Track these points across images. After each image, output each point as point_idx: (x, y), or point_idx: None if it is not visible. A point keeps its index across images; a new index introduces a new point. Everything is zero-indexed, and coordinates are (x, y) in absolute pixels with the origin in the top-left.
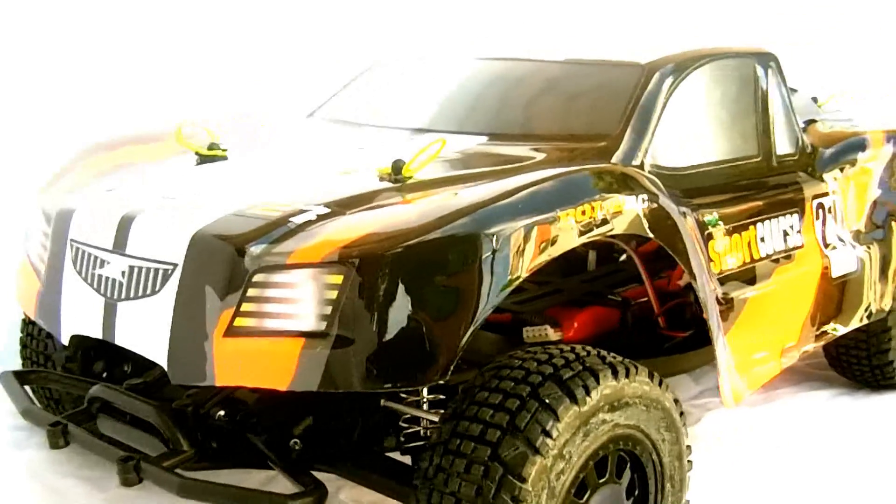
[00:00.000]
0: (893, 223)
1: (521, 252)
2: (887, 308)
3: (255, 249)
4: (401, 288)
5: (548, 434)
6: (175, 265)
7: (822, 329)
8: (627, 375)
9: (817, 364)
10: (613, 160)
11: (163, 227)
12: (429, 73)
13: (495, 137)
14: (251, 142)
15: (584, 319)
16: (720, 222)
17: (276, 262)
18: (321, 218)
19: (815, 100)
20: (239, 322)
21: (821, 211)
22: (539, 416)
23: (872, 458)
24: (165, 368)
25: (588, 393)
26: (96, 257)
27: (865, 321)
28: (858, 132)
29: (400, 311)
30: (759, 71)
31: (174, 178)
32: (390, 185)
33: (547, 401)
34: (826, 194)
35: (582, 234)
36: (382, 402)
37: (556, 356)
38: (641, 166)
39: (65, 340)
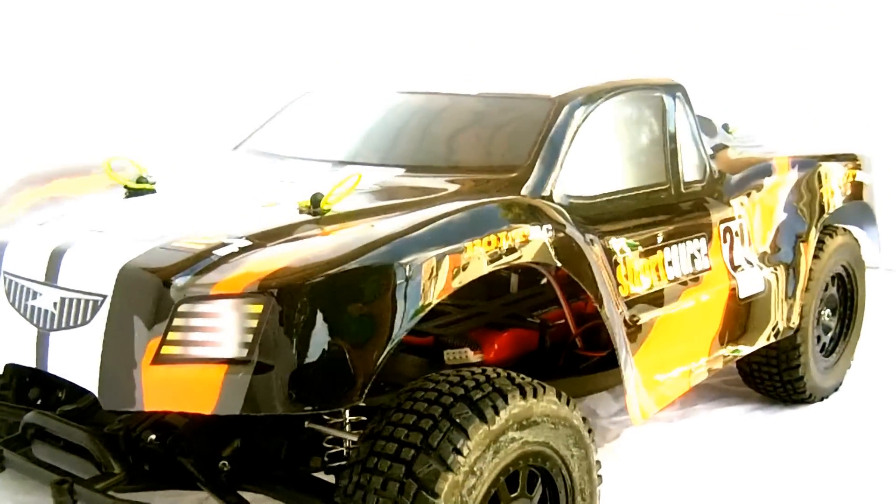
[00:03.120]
0: (801, 245)
1: (433, 279)
2: (794, 326)
3: (180, 281)
4: (318, 316)
5: (459, 452)
6: (104, 296)
7: (731, 347)
8: (535, 395)
9: (733, 381)
10: (523, 191)
11: (92, 260)
12: (351, 106)
13: (412, 170)
14: (178, 175)
15: (505, 341)
16: (638, 245)
17: (200, 293)
18: (243, 250)
19: (725, 127)
20: (165, 350)
21: (728, 234)
22: (451, 434)
23: (785, 470)
24: (97, 395)
25: (497, 413)
26: (29, 289)
27: (773, 339)
28: (764, 158)
29: (317, 338)
30: (667, 101)
31: (103, 211)
32: (309, 217)
33: (458, 420)
34: (733, 218)
35: (491, 261)
36: (307, 423)
37: (467, 378)
38: (550, 196)
39: None
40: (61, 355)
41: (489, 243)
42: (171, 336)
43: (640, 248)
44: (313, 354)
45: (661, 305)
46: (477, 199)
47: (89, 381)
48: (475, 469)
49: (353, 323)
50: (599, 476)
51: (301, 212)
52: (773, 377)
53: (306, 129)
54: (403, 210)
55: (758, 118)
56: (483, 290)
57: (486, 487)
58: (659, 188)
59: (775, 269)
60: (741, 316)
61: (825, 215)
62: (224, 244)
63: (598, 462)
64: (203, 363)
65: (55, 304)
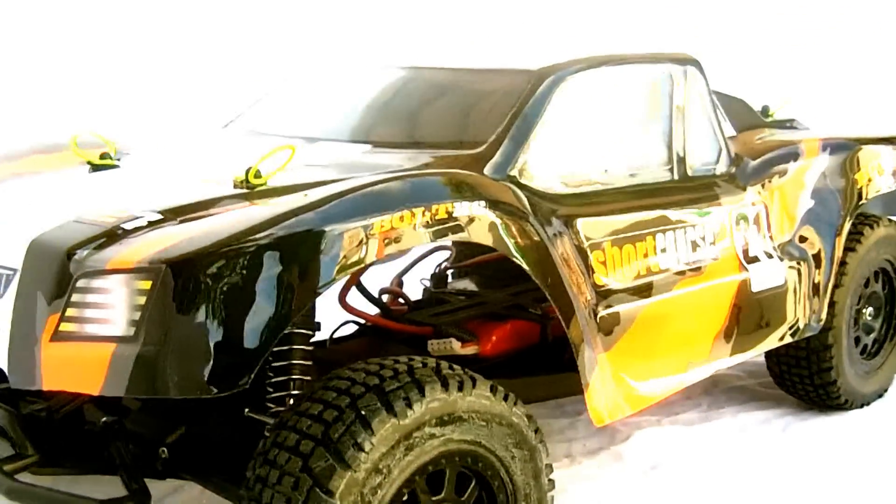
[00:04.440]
0: (831, 236)
1: (355, 250)
2: (819, 325)
3: (79, 255)
4: (208, 293)
5: (359, 447)
6: (15, 270)
7: (739, 345)
8: (461, 389)
9: (768, 382)
10: (486, 170)
11: (8, 233)
12: (332, 84)
13: (379, 145)
14: (148, 151)
15: (503, 333)
16: (621, 230)
17: (96, 268)
18: (151, 225)
19: (766, 109)
20: (63, 327)
21: (742, 222)
22: (353, 428)
23: (809, 485)
24: (6, 372)
25: (410, 406)
26: None
27: (789, 339)
28: (791, 140)
29: (206, 318)
30: (675, 76)
31: (56, 186)
32: (239, 191)
33: (363, 413)
34: (748, 205)
35: (435, 236)
36: (246, 411)
37: (386, 367)
38: (517, 176)
39: None
40: None
41: (423, 214)
42: (69, 312)
43: (625, 234)
44: (201, 334)
45: (647, 296)
46: (417, 171)
47: (1, 357)
48: (381, 466)
49: (245, 301)
50: (551, 481)
51: (235, 186)
52: (805, 380)
53: (290, 108)
54: (341, 183)
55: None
56: (492, 278)
57: (397, 487)
58: (656, 170)
59: (798, 262)
60: (753, 311)
61: (862, 203)
62: (134, 218)
63: (548, 465)
64: (94, 341)
65: None
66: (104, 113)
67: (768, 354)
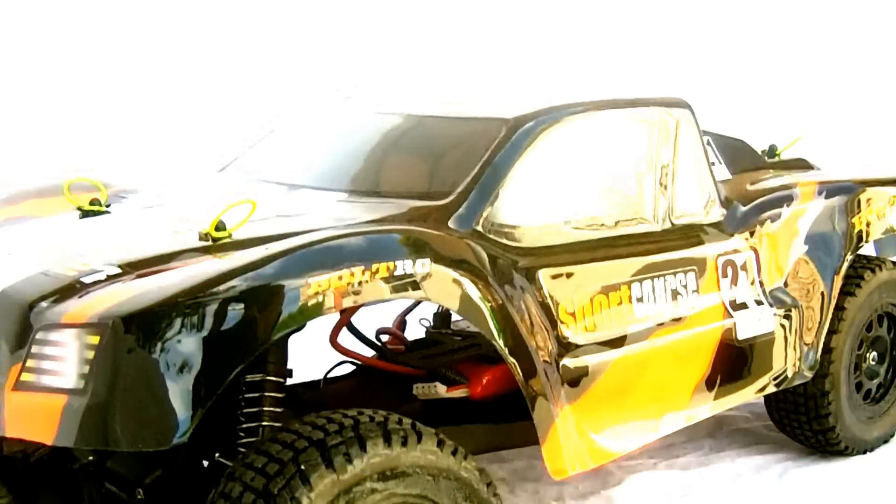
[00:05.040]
0: (834, 280)
1: (303, 304)
2: (811, 373)
3: (39, 308)
4: (153, 349)
5: (297, 501)
6: None
7: (723, 394)
8: (405, 444)
9: (773, 426)
10: (451, 222)
11: None
12: (320, 130)
13: (355, 194)
14: (140, 197)
15: (494, 375)
16: (592, 281)
17: (53, 321)
18: (109, 279)
19: (773, 149)
20: (24, 377)
21: (729, 269)
22: (292, 482)
23: None
24: None
25: (350, 461)
26: None
27: (773, 388)
28: (786, 185)
29: (150, 372)
30: (663, 123)
31: (40, 233)
32: (202, 244)
33: (303, 467)
34: (737, 251)
35: (395, 291)
36: (216, 456)
37: (333, 422)
38: (485, 228)
39: None
40: None
41: (373, 271)
42: (29, 363)
43: (596, 285)
44: (146, 388)
45: (619, 346)
46: (382, 225)
47: None
48: None
49: (188, 356)
50: None
51: (200, 238)
52: (803, 426)
53: (280, 153)
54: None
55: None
56: None
57: None
58: (635, 219)
59: (789, 309)
60: (738, 359)
61: (861, 246)
62: (94, 272)
63: None
64: (49, 392)
65: None
66: (111, 151)
67: (767, 399)
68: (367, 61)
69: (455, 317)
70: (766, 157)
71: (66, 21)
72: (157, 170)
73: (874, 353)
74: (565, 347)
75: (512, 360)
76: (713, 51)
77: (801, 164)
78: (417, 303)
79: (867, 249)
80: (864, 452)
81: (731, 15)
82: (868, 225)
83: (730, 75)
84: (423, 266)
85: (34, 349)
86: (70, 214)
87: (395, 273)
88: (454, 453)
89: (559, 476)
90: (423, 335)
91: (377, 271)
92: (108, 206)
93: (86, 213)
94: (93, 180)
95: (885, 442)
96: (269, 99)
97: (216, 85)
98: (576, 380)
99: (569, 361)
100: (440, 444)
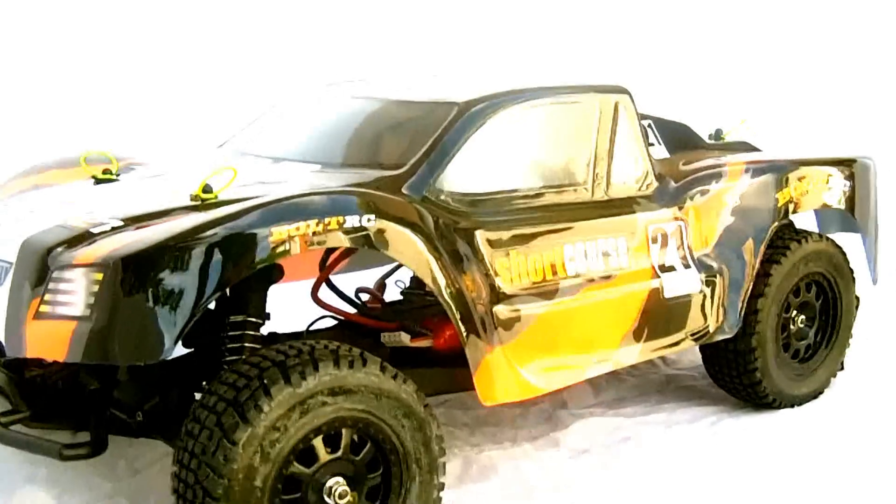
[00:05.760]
0: (747, 249)
1: (271, 248)
2: (733, 330)
3: (55, 252)
4: (145, 283)
5: (259, 408)
6: (11, 263)
7: (650, 344)
8: (352, 366)
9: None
10: (404, 189)
11: (10, 233)
12: (303, 111)
13: (327, 166)
14: (147, 168)
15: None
16: (527, 241)
17: (67, 263)
18: (114, 230)
19: (719, 132)
20: (42, 309)
21: (659, 236)
22: (256, 393)
23: (720, 475)
24: (3, 343)
25: (304, 378)
26: None
27: (696, 341)
28: (717, 164)
29: (141, 302)
30: (602, 107)
31: (60, 196)
32: (190, 203)
33: (265, 382)
34: (667, 220)
35: (353, 242)
36: (204, 384)
37: (293, 348)
38: (432, 194)
39: None
40: None
41: (332, 223)
42: (47, 297)
43: (531, 244)
44: (135, 315)
45: (550, 298)
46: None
47: (1, 332)
48: (278, 425)
49: (169, 290)
50: (442, 448)
51: (191, 199)
52: (734, 379)
53: (269, 131)
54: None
55: (765, 121)
56: None
57: (294, 442)
58: (570, 189)
59: (714, 274)
60: (664, 315)
61: (783, 221)
62: (101, 224)
63: (440, 436)
64: (62, 319)
65: None
66: (125, 131)
67: (705, 355)
68: (368, 55)
69: None
70: (710, 140)
71: (88, 11)
72: (163, 146)
73: (802, 317)
74: (499, 297)
75: (450, 304)
76: (689, 43)
77: (743, 147)
78: (395, 269)
79: (811, 226)
80: (792, 406)
81: (715, 12)
82: (794, 200)
83: (696, 63)
84: (368, 221)
85: (50, 286)
86: (86, 182)
87: (345, 226)
88: (394, 377)
89: (488, 402)
90: (399, 297)
91: (329, 224)
92: (118, 175)
93: (99, 181)
94: (106, 153)
95: (814, 398)
96: (268, 87)
97: (221, 74)
98: (509, 324)
99: (502, 308)
100: (382, 368)
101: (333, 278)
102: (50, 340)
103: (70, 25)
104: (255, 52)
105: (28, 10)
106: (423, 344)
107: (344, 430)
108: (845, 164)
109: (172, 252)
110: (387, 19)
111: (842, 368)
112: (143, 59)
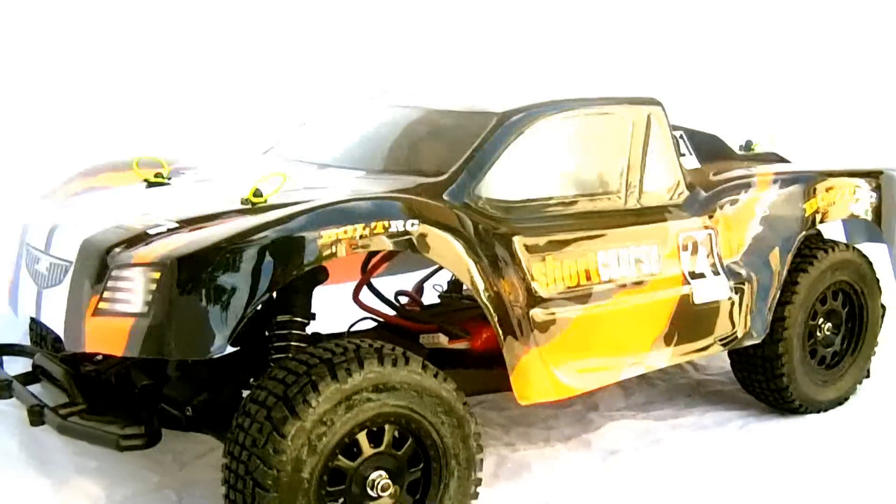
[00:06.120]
0: (775, 258)
1: (319, 251)
2: (760, 336)
3: (114, 252)
4: (201, 282)
5: (308, 403)
6: (71, 262)
7: (681, 348)
8: (395, 365)
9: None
10: (445, 195)
11: (69, 234)
12: (346, 119)
13: (371, 172)
14: (197, 172)
15: (493, 332)
16: (562, 246)
17: (126, 262)
18: (169, 231)
19: (748, 144)
20: (101, 305)
21: (689, 244)
22: (304, 388)
23: (748, 477)
24: (62, 338)
25: (350, 375)
26: (35, 256)
27: (724, 347)
28: (747, 174)
29: (197, 300)
30: (635, 119)
31: (114, 199)
32: (242, 207)
33: (313, 378)
34: (697, 229)
35: (396, 246)
36: (251, 381)
37: (339, 346)
38: (472, 200)
39: (21, 318)
40: (48, 307)
41: (376, 228)
42: (105, 294)
43: (567, 250)
44: (190, 312)
45: (584, 303)
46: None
47: (59, 327)
48: (325, 419)
49: (223, 289)
50: (479, 446)
51: (241, 203)
52: (762, 384)
53: (313, 139)
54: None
55: (794, 133)
56: None
57: (339, 436)
58: (604, 197)
59: (743, 281)
60: (693, 320)
61: (811, 231)
62: (158, 225)
63: (477, 433)
64: (121, 316)
65: (47, 267)
66: (174, 135)
67: (733, 360)
68: (400, 61)
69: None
70: (740, 151)
71: (136, 20)
72: (211, 151)
73: (829, 324)
74: (536, 301)
75: (489, 306)
76: (718, 55)
77: (772, 158)
78: (433, 272)
79: (839, 236)
80: (818, 412)
81: (732, 20)
82: (821, 210)
83: (729, 77)
84: (413, 225)
85: (109, 283)
86: (137, 185)
87: (391, 230)
88: (435, 376)
89: (524, 401)
90: (437, 300)
91: (375, 228)
92: (169, 178)
93: (151, 184)
94: (157, 158)
95: (840, 404)
96: (307, 96)
97: (264, 82)
98: (544, 327)
99: (538, 311)
100: (424, 367)
101: (374, 281)
102: (108, 336)
103: (116, 34)
104: (292, 60)
105: (78, 17)
106: (461, 346)
107: (387, 426)
108: (872, 175)
109: (226, 253)
110: (423, 28)
111: (868, 376)
112: (184, 66)
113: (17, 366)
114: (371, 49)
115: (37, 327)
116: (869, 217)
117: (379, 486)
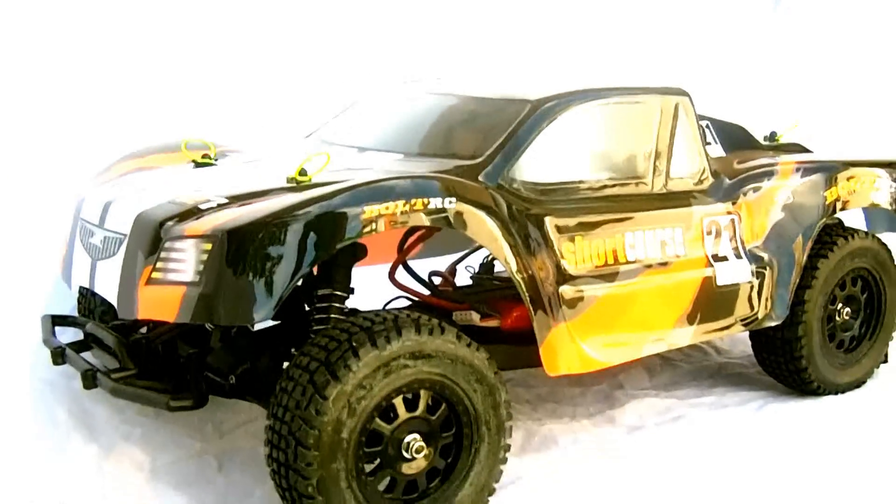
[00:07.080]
0: (795, 244)
1: (360, 226)
2: (780, 318)
3: (167, 225)
4: (249, 253)
5: (348, 368)
6: (125, 235)
7: (703, 327)
8: (431, 333)
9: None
10: (480, 177)
11: (124, 209)
12: (385, 105)
13: (409, 155)
14: (242, 154)
15: (523, 312)
16: (591, 227)
17: (178, 234)
18: (219, 206)
19: (773, 135)
20: (154, 275)
21: (713, 228)
22: (346, 354)
23: (764, 455)
24: (116, 307)
25: (389, 342)
26: (89, 229)
27: (745, 328)
28: (770, 163)
29: (245, 270)
30: (663, 107)
31: (164, 177)
32: (286, 184)
33: (354, 344)
34: (721, 214)
35: (434, 222)
36: (293, 351)
37: (379, 316)
38: (506, 182)
39: (73, 289)
40: (101, 278)
41: (416, 205)
42: (158, 265)
43: (595, 230)
44: (239, 281)
45: (611, 281)
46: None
47: (112, 296)
48: (364, 384)
49: (270, 259)
50: (509, 413)
51: (287, 181)
52: (781, 366)
53: (353, 123)
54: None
55: (818, 124)
56: None
57: (378, 400)
58: (632, 182)
59: (764, 265)
60: (716, 301)
61: (831, 219)
62: (208, 201)
63: (507, 401)
64: (173, 285)
65: (101, 240)
66: (221, 118)
67: (754, 342)
68: (432, 50)
69: (498, 267)
70: (764, 141)
71: (182, 9)
72: (255, 134)
73: (848, 309)
74: (565, 278)
75: (521, 283)
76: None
77: (795, 148)
78: (466, 255)
79: (860, 225)
80: (836, 393)
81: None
82: (842, 199)
83: (752, 69)
84: (450, 203)
85: (162, 255)
86: (186, 165)
87: (429, 207)
88: (469, 346)
89: (552, 373)
90: (469, 281)
91: (415, 204)
92: (215, 160)
93: (198, 165)
94: (204, 140)
95: (858, 386)
96: (348, 82)
97: (307, 69)
98: (573, 303)
99: (568, 288)
100: (458, 337)
101: (408, 263)
102: (161, 303)
103: (163, 23)
104: (336, 52)
105: (125, 6)
106: (491, 324)
107: (422, 392)
108: (893, 166)
109: (272, 226)
110: (457, 19)
111: (885, 360)
112: (227, 55)
113: (67, 336)
114: (406, 37)
115: (85, 301)
116: (890, 207)
117: (413, 449)
